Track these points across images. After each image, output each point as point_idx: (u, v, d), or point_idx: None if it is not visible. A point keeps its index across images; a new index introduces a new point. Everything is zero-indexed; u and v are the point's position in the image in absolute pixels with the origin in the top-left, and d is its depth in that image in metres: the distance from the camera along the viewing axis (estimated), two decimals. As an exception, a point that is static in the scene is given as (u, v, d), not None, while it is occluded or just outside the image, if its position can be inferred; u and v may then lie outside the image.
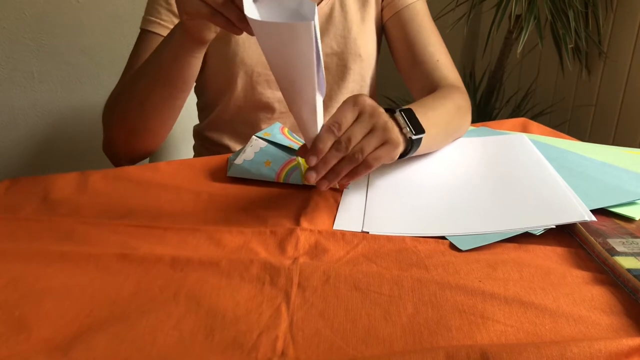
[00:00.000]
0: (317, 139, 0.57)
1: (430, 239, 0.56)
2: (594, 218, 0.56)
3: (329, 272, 0.49)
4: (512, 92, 2.07)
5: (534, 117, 1.69)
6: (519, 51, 1.59)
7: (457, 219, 0.59)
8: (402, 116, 0.63)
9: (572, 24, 1.57)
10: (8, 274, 0.50)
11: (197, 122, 1.01)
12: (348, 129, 0.58)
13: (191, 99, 1.01)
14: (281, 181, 0.69)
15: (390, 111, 0.64)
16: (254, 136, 0.73)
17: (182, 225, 0.59)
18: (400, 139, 0.61)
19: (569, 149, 0.77)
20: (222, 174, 0.73)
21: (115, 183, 0.71)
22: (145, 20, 0.84)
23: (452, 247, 0.54)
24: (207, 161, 0.78)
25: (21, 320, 0.44)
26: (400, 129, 0.62)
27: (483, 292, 0.46)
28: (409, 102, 0.74)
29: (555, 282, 0.48)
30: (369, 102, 0.60)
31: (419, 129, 0.64)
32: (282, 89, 0.57)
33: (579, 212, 0.57)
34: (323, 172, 0.57)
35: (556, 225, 0.56)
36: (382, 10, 0.92)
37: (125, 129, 0.79)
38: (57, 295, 0.48)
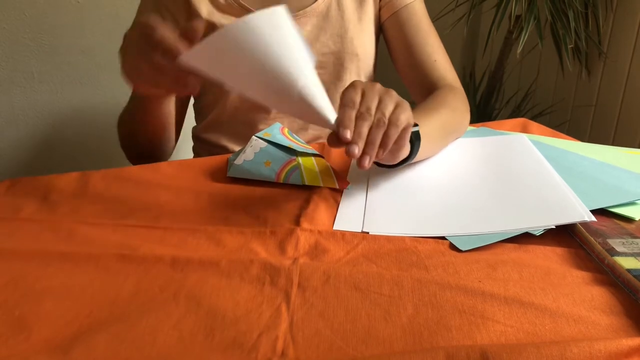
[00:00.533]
0: (340, 117, 0.55)
1: (430, 239, 0.56)
2: (593, 218, 0.56)
3: (329, 273, 0.49)
4: (512, 92, 2.07)
5: (533, 118, 1.69)
6: (518, 51, 1.59)
7: (457, 219, 0.59)
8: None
9: (572, 24, 1.57)
10: (8, 274, 0.50)
11: (194, 124, 1.01)
12: (362, 102, 0.57)
13: (190, 101, 1.01)
14: (281, 181, 0.69)
15: None
16: (254, 136, 0.73)
17: (182, 225, 0.59)
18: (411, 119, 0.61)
19: (568, 149, 0.78)
20: (222, 175, 0.73)
21: (115, 183, 0.71)
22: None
23: (452, 247, 0.54)
24: (207, 161, 0.78)
25: (21, 320, 0.44)
26: None
27: (483, 292, 0.46)
28: (411, 104, 0.73)
29: (555, 283, 0.48)
30: (365, 82, 0.60)
31: (414, 148, 0.65)
32: (269, 100, 0.56)
33: (579, 213, 0.57)
34: (362, 144, 0.55)
35: (556, 226, 0.56)
36: (379, 10, 0.92)
37: (131, 148, 0.88)
38: (57, 295, 0.48)
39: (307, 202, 0.64)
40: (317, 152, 0.72)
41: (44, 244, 0.56)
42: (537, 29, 1.57)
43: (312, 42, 0.87)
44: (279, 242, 0.56)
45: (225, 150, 0.92)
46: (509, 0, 1.61)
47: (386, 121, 0.56)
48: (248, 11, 0.84)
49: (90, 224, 0.59)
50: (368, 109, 0.56)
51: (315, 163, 0.70)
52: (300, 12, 0.86)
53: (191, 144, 1.03)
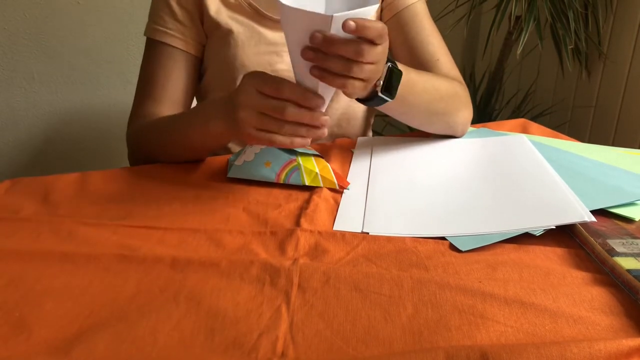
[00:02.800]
0: (365, 25, 0.55)
1: (430, 240, 0.56)
2: (593, 219, 0.56)
3: (329, 273, 0.49)
4: (512, 93, 2.07)
5: (533, 118, 1.68)
6: (518, 52, 1.59)
7: (457, 219, 0.59)
8: (387, 73, 0.65)
9: (572, 25, 1.57)
10: (8, 275, 0.50)
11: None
12: (377, 46, 0.57)
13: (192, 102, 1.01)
14: (281, 182, 0.69)
15: (389, 60, 0.65)
16: None
17: (182, 226, 0.59)
18: (366, 91, 0.64)
19: (568, 149, 0.78)
20: (222, 175, 0.73)
21: (115, 184, 0.71)
22: (152, 29, 0.83)
23: (452, 247, 0.54)
24: (208, 162, 0.78)
25: (21, 320, 0.44)
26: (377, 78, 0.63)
27: (483, 292, 0.46)
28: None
29: (555, 283, 0.48)
30: (386, 39, 0.60)
31: (391, 93, 0.66)
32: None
33: (579, 213, 0.57)
34: (323, 49, 0.56)
35: (556, 226, 0.56)
36: (381, 11, 0.92)
37: (149, 161, 0.82)
38: (57, 295, 0.48)
39: (307, 202, 0.64)
40: (317, 153, 0.72)
41: (44, 244, 0.56)
42: (537, 29, 1.57)
43: None
44: (279, 243, 0.56)
45: (226, 150, 0.92)
46: (508, 1, 1.61)
47: (351, 74, 0.57)
48: (256, 11, 0.84)
49: (90, 225, 0.59)
50: (361, 51, 0.56)
51: (315, 163, 0.69)
52: None
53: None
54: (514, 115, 1.93)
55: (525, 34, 1.56)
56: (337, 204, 0.64)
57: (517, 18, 1.69)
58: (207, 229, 0.59)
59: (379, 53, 0.58)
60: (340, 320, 0.44)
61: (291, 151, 0.71)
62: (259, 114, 0.60)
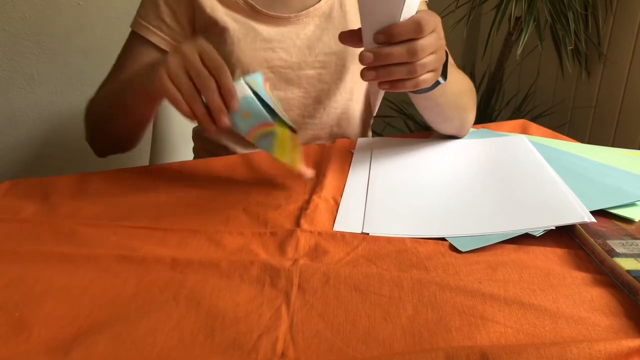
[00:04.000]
0: (397, 25, 0.56)
1: (430, 240, 0.56)
2: (593, 219, 0.56)
3: (329, 274, 0.49)
4: (512, 93, 2.07)
5: (533, 119, 1.68)
6: (518, 53, 1.59)
7: (457, 220, 0.59)
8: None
9: (572, 25, 1.57)
10: (8, 275, 0.50)
11: (196, 124, 1.01)
12: (426, 37, 0.57)
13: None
14: (251, 140, 0.65)
15: None
16: (241, 79, 0.64)
17: (182, 226, 0.59)
18: (440, 73, 0.64)
19: (568, 150, 0.78)
20: (222, 176, 0.73)
21: (115, 184, 0.71)
22: (136, 21, 0.85)
23: (452, 248, 0.54)
24: (208, 163, 0.78)
25: (21, 321, 0.44)
26: None
27: (483, 293, 0.46)
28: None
29: (555, 284, 0.48)
30: (440, 22, 0.61)
31: (445, 75, 0.67)
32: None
33: (579, 214, 0.57)
34: (380, 62, 0.57)
35: (556, 227, 0.56)
36: None
37: (98, 131, 0.84)
38: (57, 296, 0.48)
39: (307, 203, 0.64)
40: (293, 126, 0.69)
41: (44, 245, 0.56)
42: (536, 30, 1.57)
43: (315, 42, 0.87)
44: (279, 243, 0.56)
45: (226, 150, 0.92)
46: (508, 2, 1.61)
47: (419, 73, 0.59)
48: (252, 8, 0.84)
49: (90, 225, 0.59)
50: (423, 49, 0.57)
51: (289, 138, 0.67)
52: (304, 12, 0.87)
53: (191, 144, 1.03)
54: (513, 116, 1.93)
55: (525, 35, 1.56)
56: (337, 204, 0.64)
57: (517, 19, 1.70)
58: (207, 229, 0.59)
59: (434, 43, 0.59)
60: (340, 321, 0.44)
61: (272, 112, 0.66)
62: (181, 69, 0.60)
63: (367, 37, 0.59)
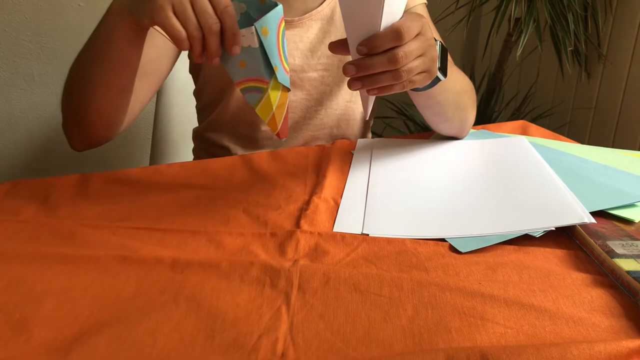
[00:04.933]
0: (377, 36, 0.57)
1: (430, 241, 0.56)
2: (593, 220, 0.56)
3: (329, 274, 0.50)
4: (512, 95, 2.07)
5: (533, 120, 1.69)
6: (518, 54, 1.59)
7: (456, 221, 0.59)
8: (439, 48, 0.65)
9: (572, 27, 1.57)
10: (8, 276, 0.50)
11: (196, 125, 1.01)
12: (408, 42, 0.58)
13: (189, 102, 1.01)
14: (238, 88, 0.62)
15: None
16: (254, 26, 0.58)
17: (182, 227, 0.59)
18: (436, 72, 0.64)
19: (568, 151, 0.78)
20: (222, 176, 0.73)
21: (115, 185, 0.71)
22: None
23: (452, 249, 0.54)
24: (208, 163, 0.78)
25: (21, 322, 0.44)
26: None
27: (483, 294, 0.46)
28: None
29: (555, 284, 0.48)
30: (427, 24, 0.61)
31: (444, 71, 0.67)
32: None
33: (579, 214, 0.57)
34: (363, 73, 0.58)
35: (556, 228, 0.56)
36: None
37: (72, 109, 0.74)
38: (57, 297, 0.48)
39: (307, 204, 0.64)
40: (288, 85, 0.64)
41: (44, 246, 0.56)
42: (536, 31, 1.57)
43: (317, 44, 0.87)
44: (279, 244, 0.56)
45: (226, 150, 0.92)
46: (508, 3, 1.61)
47: (405, 78, 0.59)
48: None
49: (90, 226, 0.59)
50: (405, 55, 0.58)
51: (278, 97, 0.63)
52: (306, 15, 0.87)
53: (191, 145, 1.03)
54: (513, 117, 1.93)
55: (525, 36, 1.56)
56: (337, 205, 0.64)
57: (517, 20, 1.70)
58: (207, 230, 0.59)
59: (420, 46, 0.59)
60: (340, 322, 0.44)
61: (270, 70, 0.62)
62: (187, 3, 0.55)
63: (353, 47, 0.60)
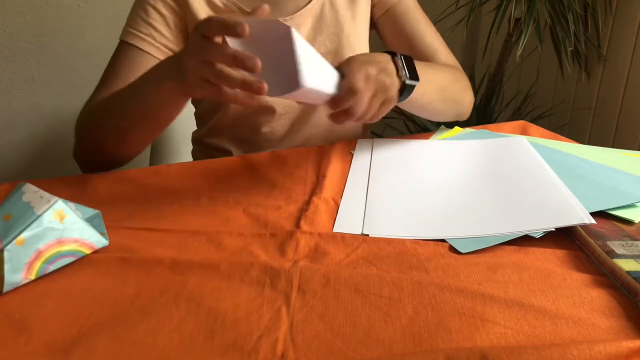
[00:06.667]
0: (335, 101, 0.64)
1: (430, 242, 0.56)
2: (593, 221, 0.56)
3: (329, 275, 0.50)
4: (512, 95, 2.07)
5: (533, 120, 1.69)
6: (518, 54, 1.59)
7: (456, 221, 0.59)
8: (401, 60, 0.70)
9: (572, 27, 1.57)
10: (8, 277, 0.50)
11: (195, 128, 1.01)
12: (359, 96, 0.64)
13: (189, 104, 1.01)
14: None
15: (391, 54, 0.70)
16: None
17: (182, 228, 0.59)
18: (395, 88, 0.68)
19: (568, 151, 0.78)
20: (222, 177, 0.73)
21: (115, 186, 0.71)
22: (125, 31, 0.83)
23: (452, 249, 0.54)
24: (208, 164, 0.78)
25: (21, 322, 0.44)
26: (397, 71, 0.69)
27: (483, 294, 0.46)
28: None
29: (555, 285, 0.48)
30: (375, 66, 0.66)
31: (414, 76, 0.71)
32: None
33: (579, 215, 0.57)
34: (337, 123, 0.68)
35: (556, 228, 0.56)
36: (372, 8, 0.93)
37: (96, 149, 0.77)
38: (57, 297, 0.48)
39: (307, 204, 0.64)
40: None
41: (44, 246, 0.56)
42: (536, 31, 1.58)
43: (310, 42, 0.87)
44: (279, 245, 0.56)
45: (228, 154, 0.92)
46: (508, 3, 1.62)
47: (367, 119, 0.69)
48: (246, 13, 0.84)
49: (90, 227, 0.59)
50: (363, 112, 0.67)
51: None
52: (297, 13, 0.87)
53: (190, 147, 1.03)
54: (513, 117, 1.93)
55: (525, 36, 1.56)
56: (337, 205, 0.64)
57: (517, 20, 1.70)
58: (207, 230, 0.59)
59: (371, 89, 0.65)
60: (340, 322, 0.44)
61: None
62: (202, 62, 0.57)
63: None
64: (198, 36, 0.58)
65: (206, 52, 0.57)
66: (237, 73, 0.56)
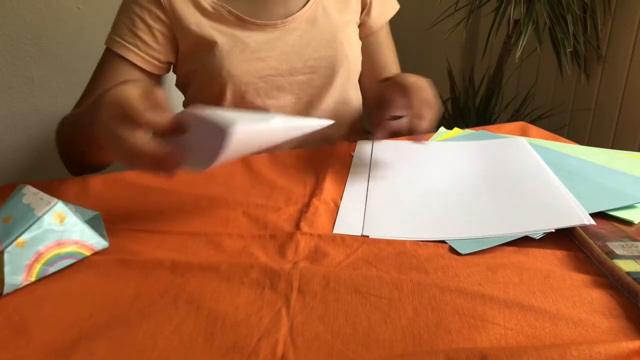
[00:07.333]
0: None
1: (430, 243, 0.56)
2: (593, 221, 0.56)
3: (329, 276, 0.49)
4: (511, 96, 2.07)
5: (533, 121, 1.69)
6: (517, 55, 1.59)
7: (456, 222, 0.59)
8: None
9: (571, 28, 1.57)
10: (8, 279, 0.50)
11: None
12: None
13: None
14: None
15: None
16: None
17: (182, 229, 0.59)
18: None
19: (568, 152, 0.78)
20: (222, 178, 0.73)
21: (115, 188, 0.71)
22: (110, 38, 0.82)
23: (452, 250, 0.54)
24: (207, 166, 0.78)
25: (21, 324, 0.44)
26: None
27: (483, 295, 0.46)
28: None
29: (555, 286, 0.48)
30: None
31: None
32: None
33: (578, 216, 0.57)
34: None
35: (555, 229, 0.56)
36: (359, 25, 0.95)
37: (68, 157, 0.77)
38: (57, 299, 0.48)
39: (306, 206, 0.64)
40: None
41: (44, 248, 0.56)
42: (535, 33, 1.58)
43: (303, 47, 0.87)
44: (278, 246, 0.56)
45: None
46: (507, 5, 1.62)
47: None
48: (237, 17, 0.84)
49: (90, 229, 0.59)
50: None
51: None
52: (289, 18, 0.86)
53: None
54: (513, 118, 1.93)
55: (524, 38, 1.56)
56: (337, 207, 0.64)
57: (516, 21, 1.70)
58: (207, 232, 0.59)
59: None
60: (340, 324, 0.44)
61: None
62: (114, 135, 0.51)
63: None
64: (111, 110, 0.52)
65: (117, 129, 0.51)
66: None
